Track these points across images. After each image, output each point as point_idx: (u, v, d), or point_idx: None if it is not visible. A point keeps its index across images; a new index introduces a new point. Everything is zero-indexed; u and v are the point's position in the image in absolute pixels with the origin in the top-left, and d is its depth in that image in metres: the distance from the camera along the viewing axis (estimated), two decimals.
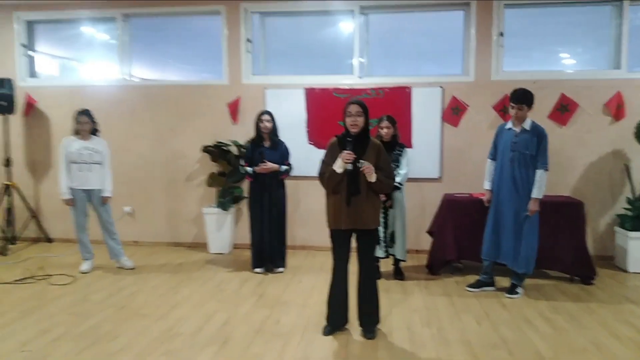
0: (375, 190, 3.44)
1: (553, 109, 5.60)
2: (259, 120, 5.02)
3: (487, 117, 5.70)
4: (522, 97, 4.21)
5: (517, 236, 4.31)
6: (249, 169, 5.00)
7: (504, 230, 4.37)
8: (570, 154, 5.62)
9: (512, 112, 4.28)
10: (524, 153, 4.24)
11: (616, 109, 5.47)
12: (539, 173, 4.22)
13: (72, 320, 3.82)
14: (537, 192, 4.23)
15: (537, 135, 4.23)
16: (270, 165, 4.92)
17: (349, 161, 3.31)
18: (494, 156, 4.53)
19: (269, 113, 5.06)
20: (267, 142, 5.04)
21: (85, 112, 5.03)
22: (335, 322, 3.62)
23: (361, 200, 3.38)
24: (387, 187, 3.51)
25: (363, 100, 3.47)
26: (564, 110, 5.58)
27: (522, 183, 4.25)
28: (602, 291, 4.58)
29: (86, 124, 5.01)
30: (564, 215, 4.82)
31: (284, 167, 5.04)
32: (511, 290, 4.41)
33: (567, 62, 6.01)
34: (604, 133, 5.56)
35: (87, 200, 5.09)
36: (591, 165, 5.61)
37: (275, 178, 5.02)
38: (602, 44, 5.76)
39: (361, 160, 3.34)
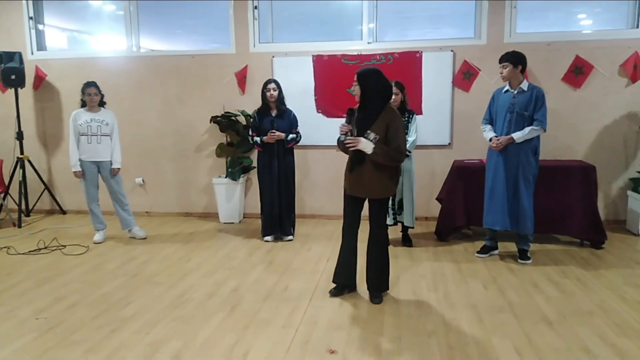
0: (376, 163, 3.35)
1: (567, 71, 5.45)
2: (265, 89, 4.98)
3: (500, 81, 5.42)
4: (504, 56, 4.21)
5: (516, 198, 4.26)
6: (257, 138, 4.99)
7: (503, 195, 4.28)
8: (584, 118, 5.49)
9: (500, 73, 4.30)
10: (522, 114, 4.17)
11: (633, 70, 5.31)
12: (532, 127, 4.14)
13: (86, 288, 3.90)
14: (517, 135, 4.16)
15: (535, 95, 4.16)
16: (278, 134, 4.91)
17: (342, 133, 3.47)
18: (488, 121, 4.46)
19: (275, 81, 5.01)
20: (274, 111, 5.02)
21: (92, 84, 5.03)
22: (340, 282, 3.69)
23: (365, 169, 3.39)
24: (389, 161, 3.34)
25: (370, 67, 3.43)
26: (578, 72, 5.43)
27: (519, 144, 4.19)
28: (612, 255, 4.54)
29: (94, 95, 5.02)
30: (575, 179, 4.75)
31: (291, 136, 5.02)
32: (523, 255, 4.37)
33: (585, 23, 5.81)
34: (619, 96, 5.41)
35: (97, 172, 5.14)
36: (605, 128, 5.48)
37: (283, 147, 5.01)
38: (622, 2, 5.51)
39: (368, 131, 3.34)
